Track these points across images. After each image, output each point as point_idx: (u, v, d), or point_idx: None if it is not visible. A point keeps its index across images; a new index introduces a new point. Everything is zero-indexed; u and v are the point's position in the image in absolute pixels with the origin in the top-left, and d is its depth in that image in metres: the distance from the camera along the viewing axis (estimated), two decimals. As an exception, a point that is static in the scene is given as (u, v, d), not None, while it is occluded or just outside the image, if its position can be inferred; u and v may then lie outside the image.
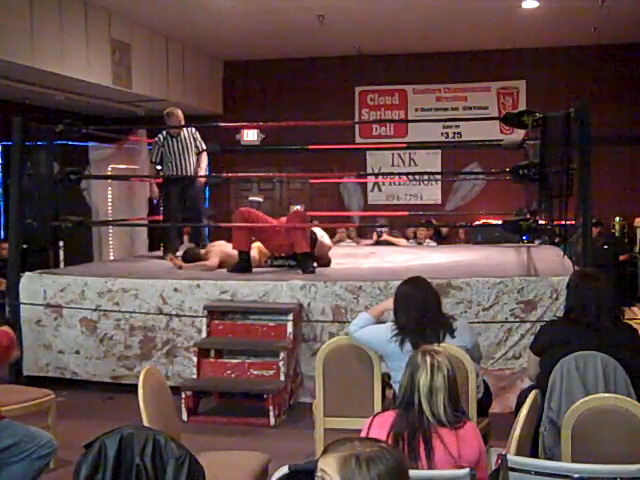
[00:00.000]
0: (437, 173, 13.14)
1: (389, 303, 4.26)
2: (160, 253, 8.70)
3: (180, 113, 8.26)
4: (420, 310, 4.02)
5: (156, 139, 8.36)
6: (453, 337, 4.04)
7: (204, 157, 8.37)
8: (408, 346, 3.93)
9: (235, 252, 7.07)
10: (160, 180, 8.52)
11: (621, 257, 11.19)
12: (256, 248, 7.28)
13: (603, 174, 9.71)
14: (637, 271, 11.24)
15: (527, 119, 6.27)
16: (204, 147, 8.37)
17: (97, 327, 6.43)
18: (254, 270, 6.99)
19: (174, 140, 8.21)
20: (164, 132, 8.29)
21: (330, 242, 7.44)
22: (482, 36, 11.75)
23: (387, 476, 1.72)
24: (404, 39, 11.94)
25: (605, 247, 10.93)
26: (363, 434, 2.79)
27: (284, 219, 7.18)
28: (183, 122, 8.30)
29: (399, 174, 13.28)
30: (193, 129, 8.38)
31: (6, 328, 3.82)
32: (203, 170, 8.39)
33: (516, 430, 3.00)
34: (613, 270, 10.28)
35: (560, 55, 12.45)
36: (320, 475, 1.75)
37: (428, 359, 2.81)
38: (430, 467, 2.67)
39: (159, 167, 8.39)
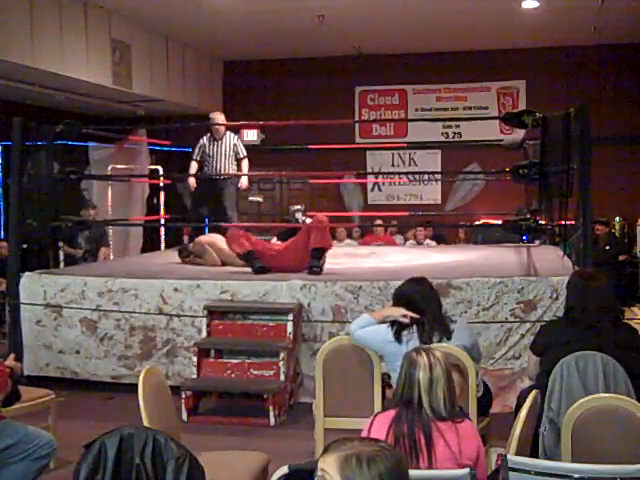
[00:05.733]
0: (437, 172, 13.12)
1: (393, 310, 4.24)
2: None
3: (220, 118, 8.64)
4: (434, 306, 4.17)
5: (200, 140, 8.74)
6: (449, 339, 4.05)
7: (245, 163, 8.71)
8: (413, 343, 3.94)
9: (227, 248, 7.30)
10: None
11: (621, 257, 11.19)
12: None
13: (603, 174, 9.71)
14: (637, 271, 11.24)
15: (527, 119, 6.27)
16: (244, 154, 8.71)
17: (97, 327, 6.43)
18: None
19: (215, 143, 8.60)
20: (208, 134, 8.68)
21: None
22: (482, 36, 11.75)
23: (388, 476, 1.72)
24: (404, 39, 11.94)
25: (605, 247, 10.92)
26: (364, 434, 2.79)
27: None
28: (222, 127, 8.62)
29: (399, 174, 13.27)
30: (236, 137, 8.79)
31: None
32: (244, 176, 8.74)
33: (516, 430, 2.99)
34: (613, 270, 10.26)
35: (560, 55, 12.45)
36: (320, 475, 1.75)
37: (424, 354, 2.85)
38: (431, 464, 2.68)
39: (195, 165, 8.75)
